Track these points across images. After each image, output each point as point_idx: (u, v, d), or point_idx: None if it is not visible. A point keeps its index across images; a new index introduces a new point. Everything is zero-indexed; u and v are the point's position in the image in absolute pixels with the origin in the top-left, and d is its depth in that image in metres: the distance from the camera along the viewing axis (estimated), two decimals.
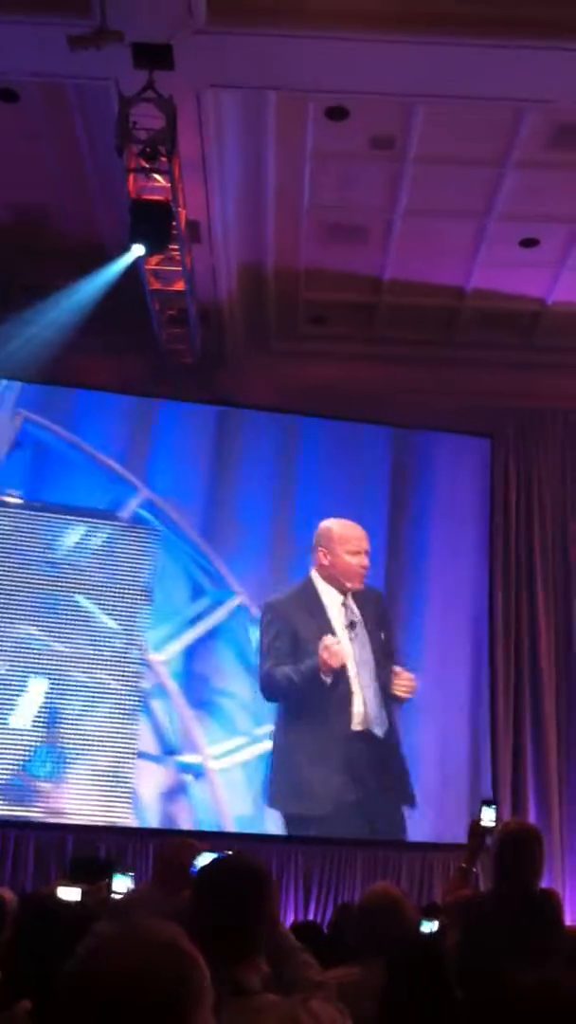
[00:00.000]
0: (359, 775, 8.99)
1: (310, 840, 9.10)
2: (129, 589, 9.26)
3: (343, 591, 9.20)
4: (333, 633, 9.05)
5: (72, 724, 8.92)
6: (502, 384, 10.21)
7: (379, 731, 9.11)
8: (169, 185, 6.91)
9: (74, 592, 9.15)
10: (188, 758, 9.09)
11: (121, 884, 7.37)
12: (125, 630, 9.19)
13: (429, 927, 3.69)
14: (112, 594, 9.21)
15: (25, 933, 3.07)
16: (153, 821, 8.91)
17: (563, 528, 10.45)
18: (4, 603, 9.03)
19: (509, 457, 10.51)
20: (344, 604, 9.18)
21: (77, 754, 8.86)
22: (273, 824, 9.02)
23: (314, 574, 9.27)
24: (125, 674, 9.11)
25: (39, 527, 9.24)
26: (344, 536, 9.25)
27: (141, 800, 8.93)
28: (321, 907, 8.92)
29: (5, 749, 8.78)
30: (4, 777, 8.74)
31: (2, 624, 9.01)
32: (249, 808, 9.04)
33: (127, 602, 9.23)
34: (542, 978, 1.71)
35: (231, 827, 8.94)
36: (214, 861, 2.54)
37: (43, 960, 2.89)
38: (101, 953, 1.37)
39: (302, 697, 9.00)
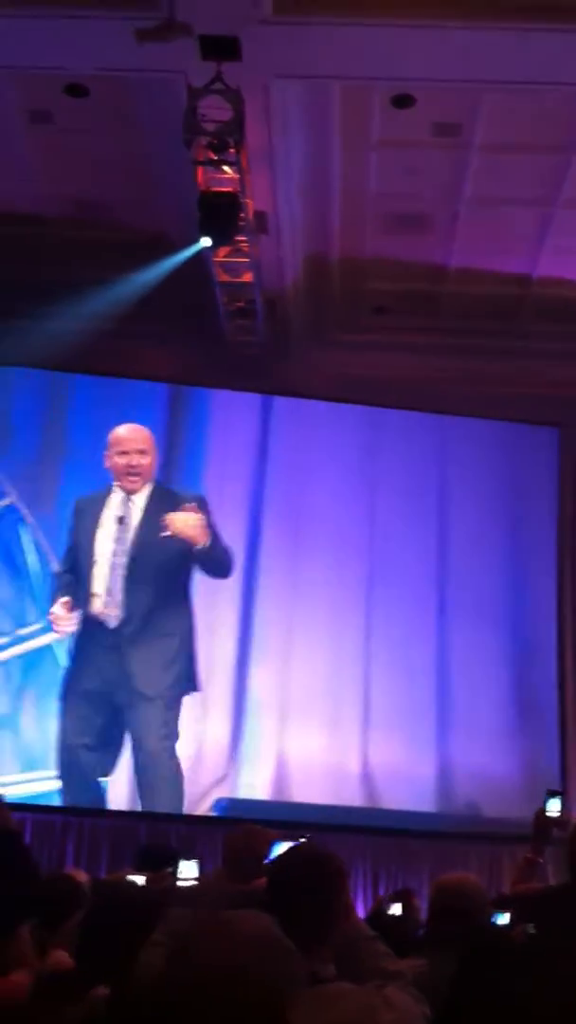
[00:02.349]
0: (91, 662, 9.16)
1: (378, 831, 9.16)
2: None
3: (126, 491, 9.33)
4: (96, 526, 9.24)
5: None
6: (569, 373, 10.10)
7: (112, 623, 9.16)
8: (237, 176, 6.94)
9: None
10: None
11: (187, 870, 7.43)
12: None
13: (502, 919, 3.68)
14: None
15: (98, 920, 3.11)
16: None
17: None
18: None
19: None
20: (123, 501, 9.32)
21: None
22: None
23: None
24: None
25: None
26: (116, 438, 9.42)
27: None
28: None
29: None
30: None
31: None
32: (7, 708, 9.19)
33: None
34: None
35: None
36: (289, 851, 2.55)
37: (117, 947, 2.93)
38: (200, 943, 1.37)
39: None
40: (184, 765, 9.14)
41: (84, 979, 3.03)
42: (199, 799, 9.18)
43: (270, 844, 2.77)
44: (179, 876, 7.24)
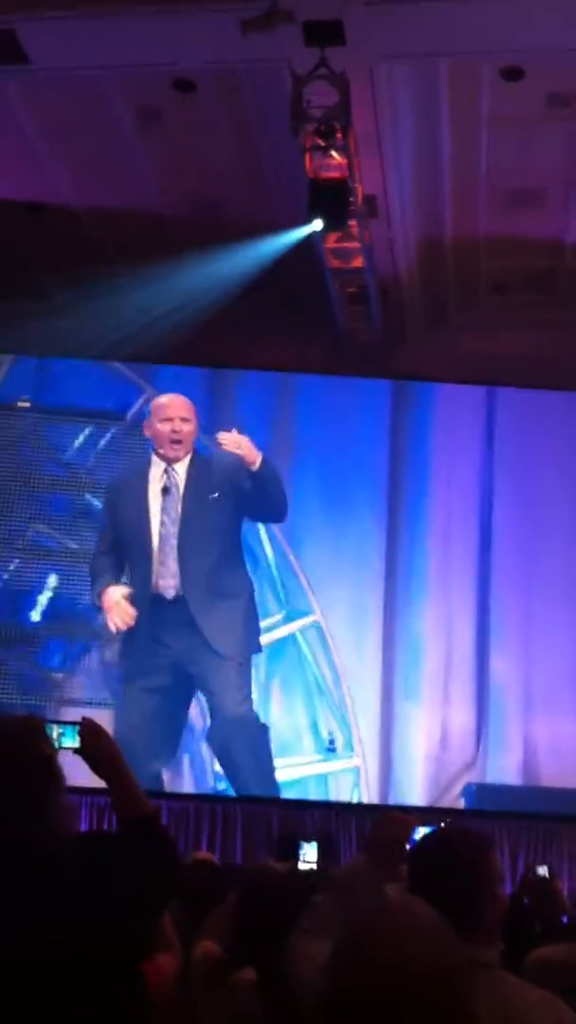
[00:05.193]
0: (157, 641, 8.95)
1: (510, 815, 9.05)
2: None
3: (166, 460, 9.08)
4: (142, 502, 9.04)
5: (83, 617, 9.39)
6: None
7: (170, 594, 8.95)
8: (345, 161, 6.90)
9: (83, 491, 9.64)
10: None
11: (309, 853, 7.44)
12: None
13: None
14: None
15: (249, 907, 3.15)
16: None
17: None
18: (18, 504, 9.54)
19: None
20: (164, 472, 9.09)
21: (88, 646, 9.44)
22: None
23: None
24: None
25: (48, 430, 9.78)
26: (159, 405, 9.18)
27: None
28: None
29: (21, 643, 9.44)
30: (14, 667, 9.36)
31: (16, 524, 9.52)
32: (256, 698, 9.13)
33: None
34: None
35: None
36: (428, 835, 2.49)
37: (267, 933, 2.95)
38: (374, 931, 1.34)
39: None
40: (429, 751, 9.26)
41: (235, 963, 3.08)
42: (448, 785, 9.24)
43: (411, 829, 2.73)
44: (302, 859, 7.29)
